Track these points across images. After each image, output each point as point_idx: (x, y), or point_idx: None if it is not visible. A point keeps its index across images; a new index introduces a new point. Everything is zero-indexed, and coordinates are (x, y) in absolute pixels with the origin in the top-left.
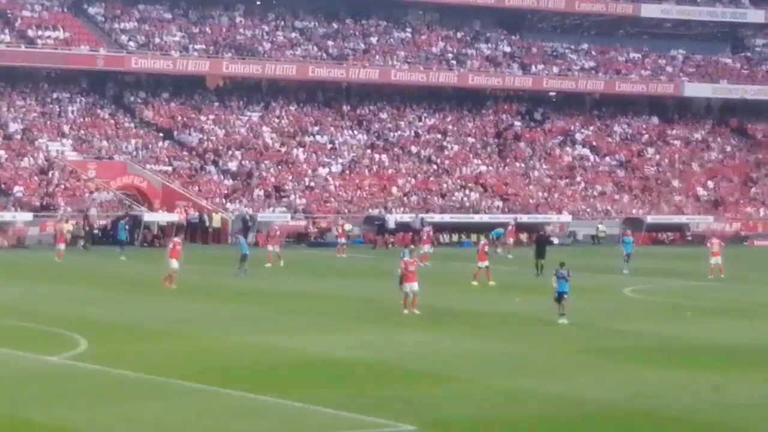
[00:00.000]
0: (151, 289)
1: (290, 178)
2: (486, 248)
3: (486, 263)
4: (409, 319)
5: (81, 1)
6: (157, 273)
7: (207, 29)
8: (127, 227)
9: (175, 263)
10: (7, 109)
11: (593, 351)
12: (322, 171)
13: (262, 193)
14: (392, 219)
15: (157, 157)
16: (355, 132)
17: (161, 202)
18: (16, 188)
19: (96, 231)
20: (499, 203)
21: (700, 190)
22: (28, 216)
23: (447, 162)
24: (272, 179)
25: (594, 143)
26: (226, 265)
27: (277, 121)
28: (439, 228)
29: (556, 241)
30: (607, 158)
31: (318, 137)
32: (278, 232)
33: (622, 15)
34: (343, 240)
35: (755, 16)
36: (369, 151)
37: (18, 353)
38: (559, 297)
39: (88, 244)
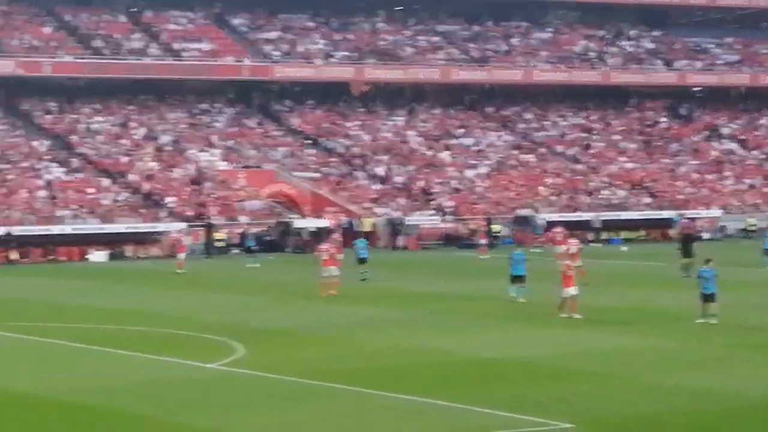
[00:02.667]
0: (304, 294)
1: (437, 181)
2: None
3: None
4: (561, 318)
5: (224, 13)
6: (308, 278)
7: (349, 36)
8: (252, 236)
9: (335, 270)
10: (157, 121)
11: (744, 345)
12: (469, 173)
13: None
14: (541, 219)
15: (305, 164)
16: (501, 133)
17: (311, 208)
18: (169, 199)
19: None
20: (647, 199)
21: None
22: (182, 225)
23: (593, 160)
24: (420, 183)
25: (741, 137)
26: (377, 268)
27: (422, 125)
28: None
29: (705, 236)
30: (755, 152)
31: (463, 140)
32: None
33: (766, 7)
34: (483, 241)
35: None
36: (515, 151)
37: (177, 360)
38: (707, 298)
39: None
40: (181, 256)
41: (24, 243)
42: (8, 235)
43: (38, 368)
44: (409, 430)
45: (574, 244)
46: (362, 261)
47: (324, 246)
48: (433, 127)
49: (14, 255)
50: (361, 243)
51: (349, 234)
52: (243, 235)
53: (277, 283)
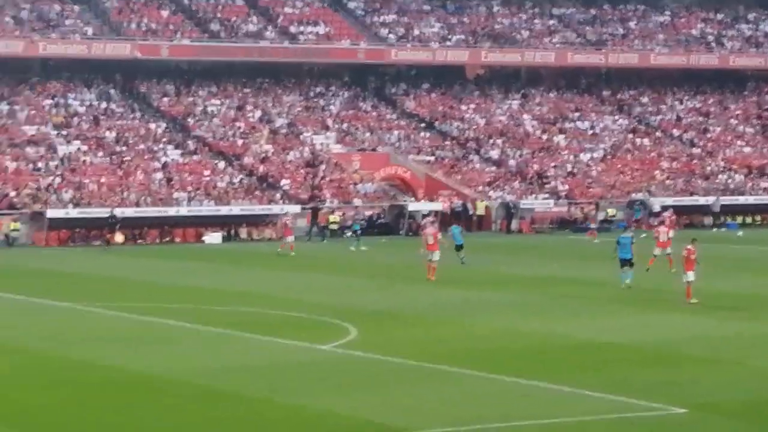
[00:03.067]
0: (417, 277)
1: (552, 164)
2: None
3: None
4: (673, 302)
5: None
6: (421, 262)
7: (465, 19)
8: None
9: (436, 254)
10: (272, 104)
11: None
12: (584, 156)
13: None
14: (657, 202)
15: (420, 148)
16: (616, 117)
17: (425, 191)
18: (284, 181)
19: (362, 222)
20: (765, 184)
21: None
22: (296, 208)
23: (710, 144)
24: (534, 166)
25: None
26: (491, 252)
27: (537, 108)
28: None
29: None
30: None
31: (578, 123)
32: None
33: None
34: (593, 225)
35: None
36: (630, 135)
37: (289, 342)
38: None
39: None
40: (290, 239)
41: (129, 225)
42: (113, 217)
43: (155, 349)
44: (518, 413)
45: (662, 232)
46: (459, 248)
47: (429, 230)
48: (548, 111)
49: (119, 237)
50: (456, 229)
51: (463, 218)
52: (356, 219)
53: (390, 265)
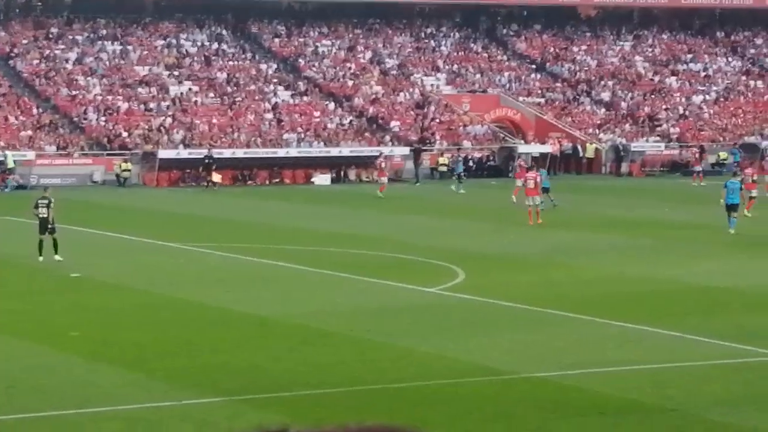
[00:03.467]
0: (524, 220)
1: (663, 107)
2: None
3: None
4: None
5: None
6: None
7: None
8: (461, 161)
9: (537, 199)
10: (383, 45)
11: None
12: (696, 99)
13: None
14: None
15: (530, 90)
16: (730, 59)
17: (534, 134)
18: (393, 123)
19: (471, 164)
20: None
21: None
22: (405, 150)
23: None
24: (645, 108)
25: None
26: (601, 195)
27: (649, 50)
28: None
29: None
30: None
31: (691, 65)
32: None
33: None
34: (699, 168)
35: None
36: (744, 77)
37: (397, 284)
38: None
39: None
40: (383, 179)
41: (239, 166)
42: (209, 158)
43: (264, 291)
44: (628, 357)
45: (749, 173)
46: (546, 191)
47: (531, 174)
48: (661, 53)
49: (216, 177)
50: (543, 173)
51: (573, 160)
52: (458, 161)
53: (497, 209)
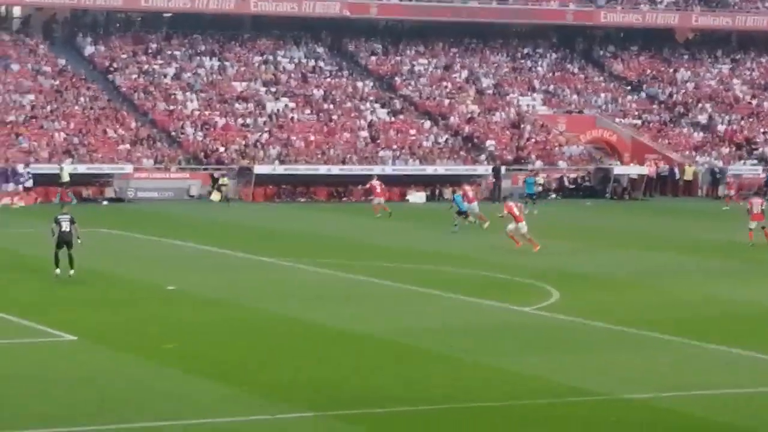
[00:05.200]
0: (620, 240)
1: (761, 130)
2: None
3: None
4: None
5: None
6: (626, 226)
7: None
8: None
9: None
10: (479, 64)
11: None
12: None
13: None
14: None
15: (626, 111)
16: None
17: (631, 155)
18: (489, 142)
19: (568, 184)
20: None
21: None
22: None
23: None
24: (743, 132)
25: None
26: (697, 218)
27: (747, 73)
28: None
29: None
30: None
31: None
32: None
33: None
34: None
35: None
36: None
37: (491, 303)
38: None
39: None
40: (376, 201)
41: (334, 183)
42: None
43: (358, 307)
44: (724, 381)
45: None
46: (461, 213)
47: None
48: (759, 76)
49: (215, 197)
50: (458, 197)
51: (669, 182)
52: (530, 182)
53: (594, 228)
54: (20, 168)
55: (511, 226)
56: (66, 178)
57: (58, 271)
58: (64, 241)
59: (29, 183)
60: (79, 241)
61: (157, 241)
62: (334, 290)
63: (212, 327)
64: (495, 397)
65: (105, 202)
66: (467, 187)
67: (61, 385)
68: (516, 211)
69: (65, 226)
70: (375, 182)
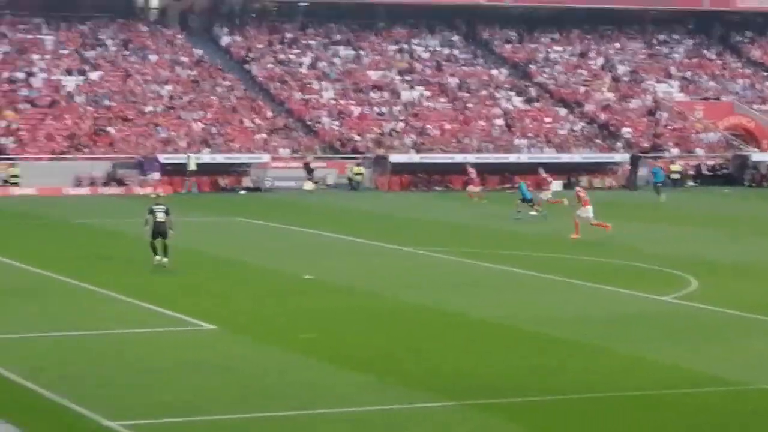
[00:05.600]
0: (759, 227)
1: None
2: None
3: None
4: None
5: None
6: (765, 213)
7: None
8: (661, 171)
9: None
10: (615, 51)
11: None
12: None
13: None
14: None
15: (764, 97)
16: None
17: None
18: (624, 129)
19: (706, 171)
20: None
21: None
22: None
23: None
24: None
25: None
26: None
27: None
28: None
29: None
30: None
31: None
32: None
33: None
34: None
35: None
36: None
37: (628, 292)
38: None
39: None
40: (473, 189)
41: (455, 171)
42: (307, 166)
43: (495, 296)
44: None
45: None
46: (525, 201)
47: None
48: None
49: (309, 186)
50: (523, 185)
51: None
52: (657, 171)
53: (732, 216)
54: (162, 158)
55: (580, 211)
56: (193, 167)
57: (158, 257)
58: (158, 231)
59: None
60: (171, 232)
61: (293, 230)
62: (470, 279)
63: (350, 316)
64: (632, 386)
65: (242, 192)
66: (579, 190)
67: (202, 374)
68: (584, 195)
69: (160, 217)
70: (471, 170)
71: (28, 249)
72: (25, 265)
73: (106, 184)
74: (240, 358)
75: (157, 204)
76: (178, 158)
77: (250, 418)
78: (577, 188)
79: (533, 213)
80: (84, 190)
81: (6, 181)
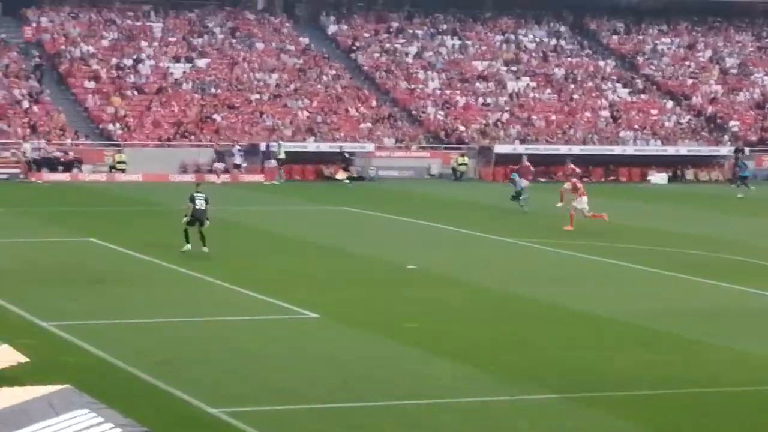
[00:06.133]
0: None
1: None
2: None
3: None
4: None
5: None
6: None
7: None
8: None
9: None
10: (723, 43)
11: None
12: None
13: None
14: None
15: None
16: None
17: None
18: (732, 122)
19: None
20: None
21: None
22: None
23: None
24: None
25: None
26: None
27: None
28: None
29: None
30: None
31: None
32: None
33: None
34: None
35: None
36: None
37: (734, 287)
38: None
39: None
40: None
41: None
42: (341, 154)
43: (597, 289)
44: None
45: None
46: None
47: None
48: None
49: (341, 175)
50: (515, 176)
51: None
52: (741, 164)
53: None
54: (274, 146)
55: (576, 202)
56: (282, 155)
57: (188, 246)
58: (197, 218)
59: (238, 160)
60: (207, 222)
61: (397, 220)
62: (574, 271)
63: (453, 306)
64: (736, 381)
65: (347, 181)
66: (576, 181)
67: (304, 362)
68: (579, 185)
69: (200, 204)
70: (526, 163)
71: (134, 235)
72: (131, 251)
73: (211, 171)
74: (342, 347)
75: (198, 192)
76: (287, 146)
77: (352, 407)
78: (574, 179)
79: (521, 205)
80: (188, 177)
81: (112, 168)
